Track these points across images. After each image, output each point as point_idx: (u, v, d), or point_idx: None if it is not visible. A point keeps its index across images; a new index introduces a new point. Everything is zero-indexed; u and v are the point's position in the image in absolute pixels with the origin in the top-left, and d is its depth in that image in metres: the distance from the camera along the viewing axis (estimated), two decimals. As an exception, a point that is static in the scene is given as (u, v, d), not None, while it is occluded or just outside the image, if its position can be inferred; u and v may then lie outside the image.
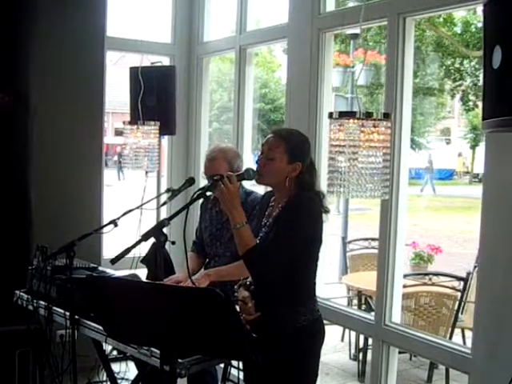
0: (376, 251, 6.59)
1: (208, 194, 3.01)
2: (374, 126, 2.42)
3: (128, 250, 2.83)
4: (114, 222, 3.54)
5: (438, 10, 3.83)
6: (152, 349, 2.93)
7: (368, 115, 2.41)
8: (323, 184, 3.00)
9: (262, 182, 2.98)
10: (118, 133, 24.71)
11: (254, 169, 2.97)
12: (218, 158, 3.85)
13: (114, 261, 2.82)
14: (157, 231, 2.72)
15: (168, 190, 3.99)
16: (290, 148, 2.90)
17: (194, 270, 4.05)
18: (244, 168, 3.06)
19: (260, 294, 3.00)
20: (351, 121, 2.41)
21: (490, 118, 2.40)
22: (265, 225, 3.03)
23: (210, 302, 2.31)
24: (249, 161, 5.42)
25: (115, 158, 27.08)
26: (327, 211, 2.96)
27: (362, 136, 2.42)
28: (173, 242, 2.88)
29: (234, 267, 3.69)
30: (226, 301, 2.28)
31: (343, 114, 2.46)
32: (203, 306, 2.34)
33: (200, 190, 2.91)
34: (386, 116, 2.45)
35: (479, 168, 26.35)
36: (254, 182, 3.01)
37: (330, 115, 2.47)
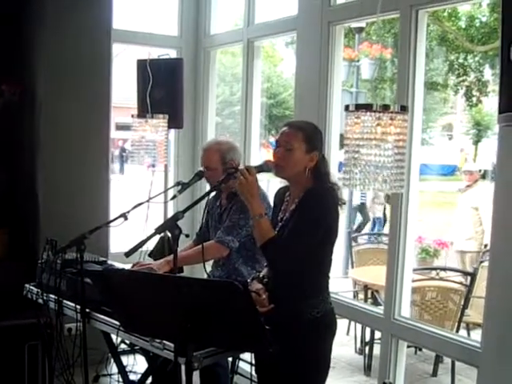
0: (382, 246, 6.66)
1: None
2: (391, 119, 2.40)
3: (142, 243, 2.83)
4: (124, 216, 3.53)
5: (451, 2, 3.81)
6: (164, 341, 2.93)
7: (385, 108, 2.39)
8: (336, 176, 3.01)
9: (282, 174, 2.98)
10: (119, 127, 24.59)
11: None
12: (211, 148, 3.93)
13: (128, 254, 2.82)
14: (171, 224, 2.71)
15: (178, 184, 3.98)
16: (307, 137, 2.92)
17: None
18: (262, 161, 3.05)
19: (275, 285, 3.01)
20: (368, 113, 2.39)
21: (506, 112, 2.39)
22: (281, 220, 3.03)
23: (229, 294, 2.31)
24: (256, 155, 5.41)
25: (116, 152, 26.97)
26: (343, 203, 2.98)
27: (379, 129, 2.41)
28: (187, 235, 2.87)
29: (192, 252, 3.83)
30: (244, 293, 2.28)
31: (360, 107, 2.44)
32: (221, 298, 2.34)
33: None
34: (403, 109, 2.43)
35: (481, 164, 26.36)
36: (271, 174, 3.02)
37: (347, 107, 2.45)
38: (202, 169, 3.95)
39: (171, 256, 3.65)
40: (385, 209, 12.13)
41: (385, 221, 11.97)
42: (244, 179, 2.84)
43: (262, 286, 3.03)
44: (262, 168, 2.95)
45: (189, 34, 6.01)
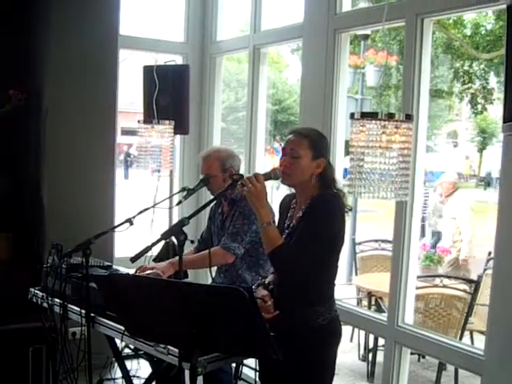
0: (386, 253, 6.66)
1: None
2: (396, 127, 2.41)
3: (148, 249, 2.83)
4: (129, 221, 3.55)
5: (457, 11, 3.81)
6: (169, 346, 2.94)
7: (390, 116, 2.40)
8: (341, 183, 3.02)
9: (288, 182, 2.99)
10: (124, 132, 24.59)
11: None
12: (210, 156, 3.95)
13: (133, 259, 2.83)
14: (177, 230, 2.71)
15: (183, 190, 4.00)
16: (313, 144, 2.93)
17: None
18: (270, 168, 3.06)
19: (281, 292, 3.01)
20: (373, 121, 2.40)
21: (510, 121, 2.40)
22: (288, 227, 3.03)
23: (234, 300, 2.31)
24: (261, 161, 5.42)
25: (121, 157, 27.00)
26: (349, 210, 2.98)
27: (384, 137, 2.42)
28: (192, 241, 2.88)
29: (197, 257, 3.87)
30: (250, 299, 2.28)
31: (365, 115, 2.45)
32: (227, 304, 2.34)
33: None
34: (408, 117, 2.44)
35: (486, 171, 26.34)
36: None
37: (352, 115, 2.46)
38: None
39: (175, 258, 3.67)
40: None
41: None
42: (253, 187, 2.85)
43: (267, 292, 3.03)
44: (270, 175, 2.96)
45: (195, 41, 6.03)
